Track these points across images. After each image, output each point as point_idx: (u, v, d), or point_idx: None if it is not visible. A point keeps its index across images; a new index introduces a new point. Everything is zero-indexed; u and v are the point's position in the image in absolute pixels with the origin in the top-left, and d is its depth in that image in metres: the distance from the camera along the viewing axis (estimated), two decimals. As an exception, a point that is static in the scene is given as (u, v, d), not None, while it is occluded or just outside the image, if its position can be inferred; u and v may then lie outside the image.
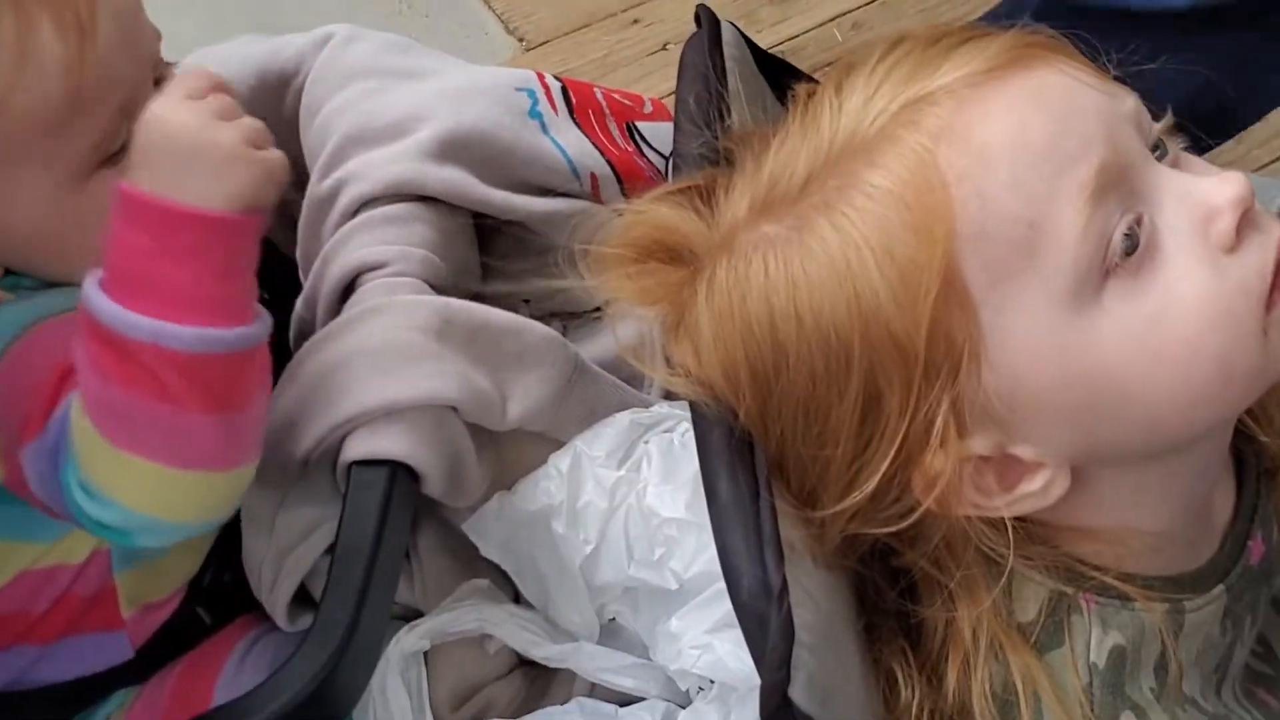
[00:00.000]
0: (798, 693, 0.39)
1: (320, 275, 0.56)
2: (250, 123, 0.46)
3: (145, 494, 0.45)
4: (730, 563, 0.41)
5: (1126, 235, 0.35)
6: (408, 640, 0.54)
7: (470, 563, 0.58)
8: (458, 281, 0.61)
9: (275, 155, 0.46)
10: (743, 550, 0.41)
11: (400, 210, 0.59)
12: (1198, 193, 0.37)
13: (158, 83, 0.50)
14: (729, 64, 0.50)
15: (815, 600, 0.42)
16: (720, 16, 0.54)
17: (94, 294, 0.43)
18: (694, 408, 0.43)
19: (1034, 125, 0.35)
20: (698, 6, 0.55)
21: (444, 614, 0.55)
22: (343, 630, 0.48)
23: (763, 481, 0.42)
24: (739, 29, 0.55)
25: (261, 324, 0.45)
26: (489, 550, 0.56)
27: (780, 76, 0.56)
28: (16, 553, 0.52)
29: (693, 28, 0.53)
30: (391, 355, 0.52)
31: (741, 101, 0.49)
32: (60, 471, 0.45)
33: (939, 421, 0.37)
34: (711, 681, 0.53)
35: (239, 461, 0.46)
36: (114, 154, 0.48)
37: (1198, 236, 0.35)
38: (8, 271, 0.50)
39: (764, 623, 0.40)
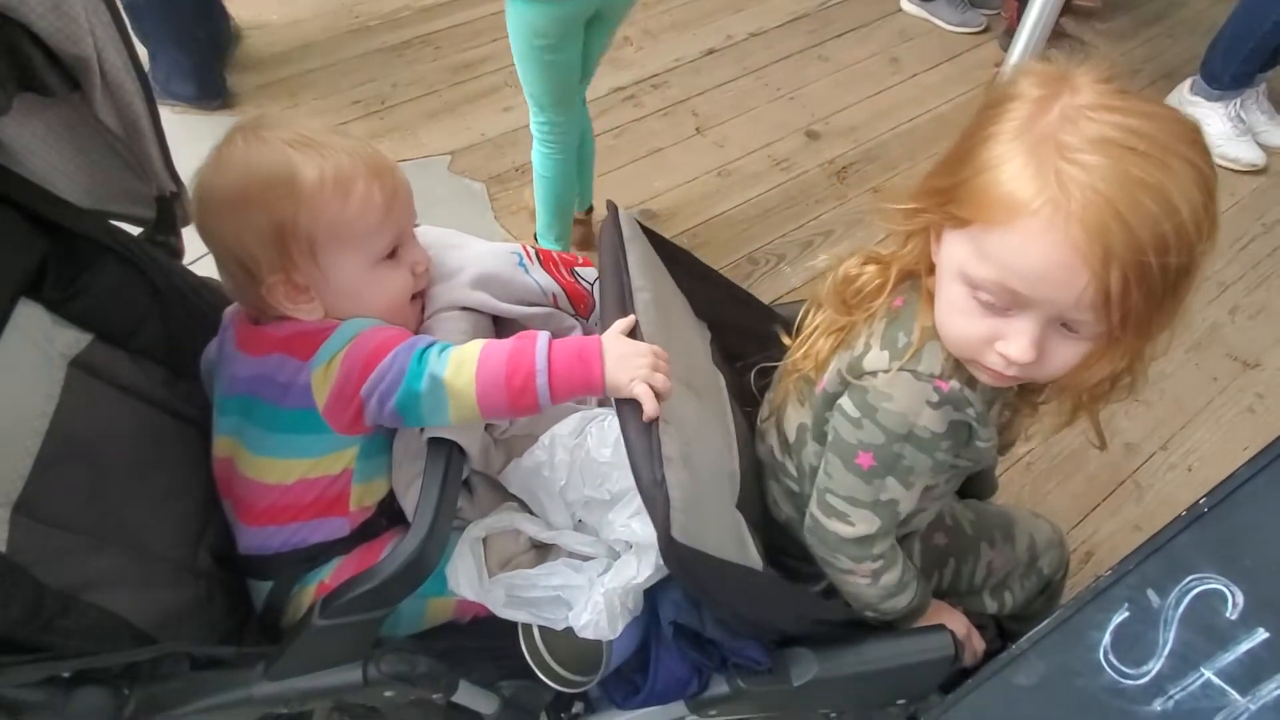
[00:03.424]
0: (676, 532, 0.69)
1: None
2: (653, 359, 0.76)
3: (455, 375, 0.75)
4: (637, 472, 0.71)
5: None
6: (473, 532, 0.87)
7: (504, 495, 0.92)
8: None
9: (645, 389, 0.74)
10: (644, 464, 0.71)
11: (453, 315, 0.94)
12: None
13: None
14: (626, 236, 0.89)
15: (681, 485, 0.72)
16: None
17: (541, 349, 0.76)
18: (617, 404, 0.75)
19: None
20: (608, 202, 0.95)
21: (492, 518, 0.89)
22: (429, 524, 0.75)
23: (651, 425, 0.73)
24: (633, 217, 0.95)
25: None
26: (512, 488, 0.91)
27: (662, 244, 0.98)
28: (300, 466, 0.82)
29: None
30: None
31: (635, 260, 0.88)
32: (413, 355, 0.76)
33: None
34: (629, 545, 0.84)
35: (486, 404, 0.76)
36: (389, 257, 0.84)
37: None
38: (326, 315, 0.83)
39: (654, 499, 0.70)
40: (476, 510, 0.93)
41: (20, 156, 0.81)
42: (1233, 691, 0.67)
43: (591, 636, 0.80)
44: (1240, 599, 0.66)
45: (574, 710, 1.01)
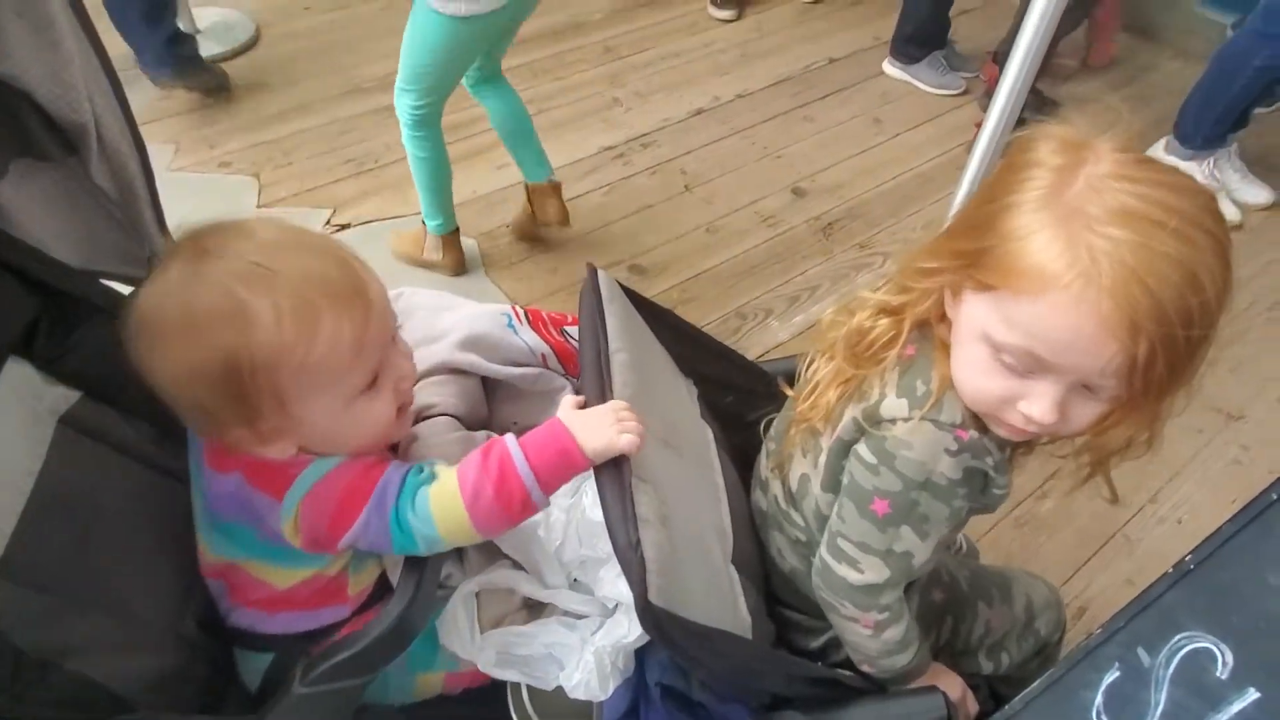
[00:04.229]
0: (653, 595, 0.68)
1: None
2: (613, 414, 0.75)
3: (448, 528, 0.74)
4: (613, 535, 0.70)
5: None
6: (467, 587, 0.86)
7: (495, 559, 0.91)
8: (474, 411, 0.99)
9: (630, 434, 0.73)
10: (619, 528, 0.70)
11: (442, 377, 0.97)
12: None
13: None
14: (605, 298, 0.90)
15: (658, 546, 0.71)
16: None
17: (517, 452, 0.73)
18: (595, 469, 0.74)
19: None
20: (587, 264, 0.95)
21: (486, 575, 0.88)
22: (411, 591, 0.76)
23: (626, 488, 0.72)
24: (612, 278, 0.96)
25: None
26: (506, 548, 0.90)
27: (641, 305, 0.98)
28: (297, 575, 0.81)
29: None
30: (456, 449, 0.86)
31: (613, 322, 0.89)
32: (389, 519, 0.73)
33: None
34: (620, 604, 0.84)
35: (488, 533, 0.76)
36: (368, 388, 0.76)
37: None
38: (301, 450, 0.76)
39: (630, 563, 0.68)
40: (466, 575, 0.91)
41: (14, 218, 0.82)
42: (1227, 754, 0.66)
43: (583, 697, 0.78)
44: (1230, 658, 0.65)
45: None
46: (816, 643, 0.98)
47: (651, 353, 0.99)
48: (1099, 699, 0.74)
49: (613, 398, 0.81)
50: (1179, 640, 0.69)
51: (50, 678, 0.69)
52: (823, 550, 0.85)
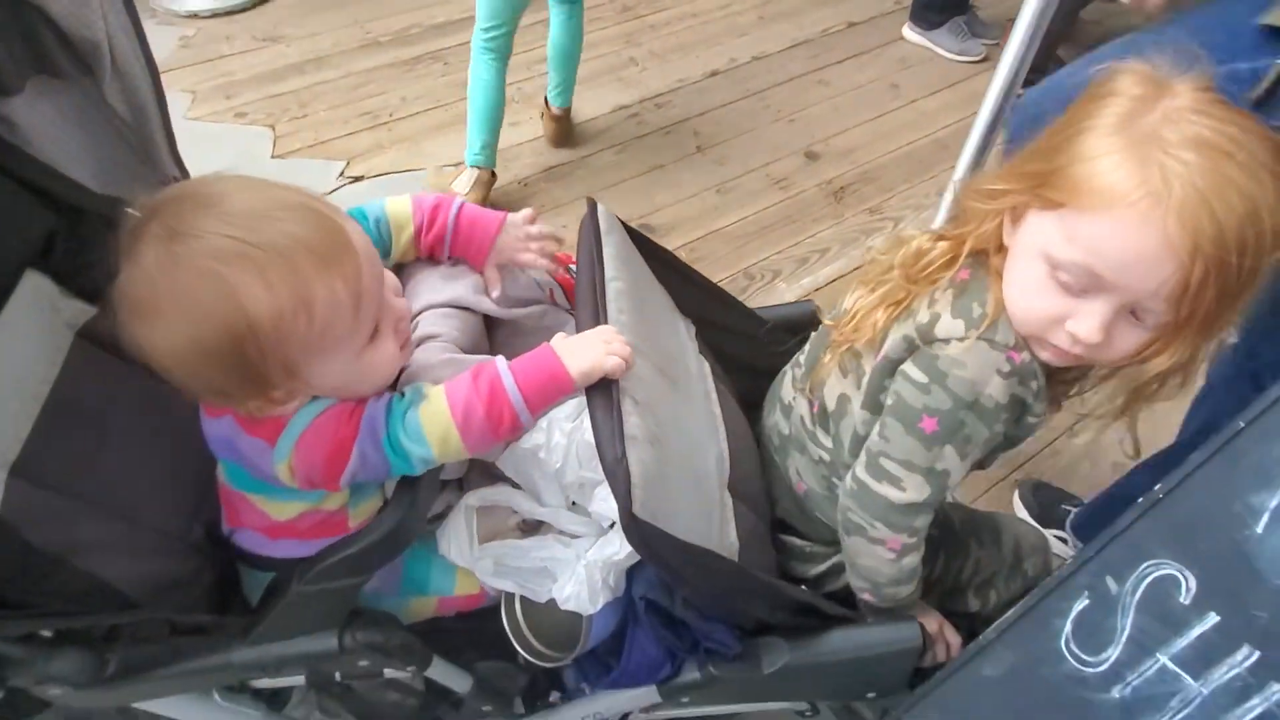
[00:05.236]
0: (637, 508, 0.71)
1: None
2: (601, 338, 0.79)
3: (442, 447, 0.77)
4: (601, 450, 0.74)
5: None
6: (470, 499, 0.88)
7: (499, 478, 0.91)
8: (476, 347, 1.03)
9: (617, 357, 0.77)
10: (607, 443, 0.73)
11: (445, 310, 0.96)
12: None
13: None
14: (603, 229, 0.92)
15: (645, 464, 0.74)
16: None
17: (506, 375, 0.77)
18: (587, 389, 0.78)
19: None
20: (587, 198, 0.97)
21: (488, 490, 0.89)
22: (410, 498, 0.80)
23: (615, 405, 0.76)
24: (613, 214, 0.98)
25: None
26: (508, 471, 0.89)
27: (644, 243, 1.00)
28: (295, 508, 0.82)
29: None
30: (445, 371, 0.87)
31: (610, 252, 0.91)
32: (384, 447, 0.75)
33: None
34: (614, 524, 0.84)
35: (477, 451, 0.80)
36: (372, 338, 0.77)
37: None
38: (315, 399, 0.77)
39: (615, 475, 0.72)
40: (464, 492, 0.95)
41: (30, 137, 0.83)
42: (1186, 676, 0.69)
43: (573, 608, 0.81)
44: (1193, 584, 0.68)
45: (550, 699, 1.02)
46: (815, 569, 1.00)
47: (649, 287, 1.01)
48: (1068, 627, 0.76)
49: (606, 324, 0.83)
50: (1146, 568, 0.71)
51: (61, 573, 0.73)
52: (860, 471, 0.86)
